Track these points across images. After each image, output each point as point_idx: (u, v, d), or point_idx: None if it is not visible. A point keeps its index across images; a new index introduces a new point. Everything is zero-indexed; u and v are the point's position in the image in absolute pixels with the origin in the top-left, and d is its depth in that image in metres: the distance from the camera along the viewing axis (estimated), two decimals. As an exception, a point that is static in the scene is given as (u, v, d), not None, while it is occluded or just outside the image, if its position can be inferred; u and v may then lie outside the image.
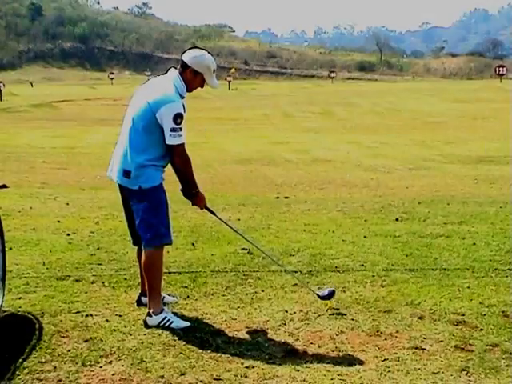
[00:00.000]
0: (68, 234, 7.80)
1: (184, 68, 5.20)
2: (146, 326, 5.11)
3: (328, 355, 4.59)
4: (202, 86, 5.35)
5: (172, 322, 5.09)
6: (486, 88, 49.31)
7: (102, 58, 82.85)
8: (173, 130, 4.95)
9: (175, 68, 5.29)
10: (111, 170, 5.29)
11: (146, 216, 5.12)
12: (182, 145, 5.06)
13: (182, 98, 5.17)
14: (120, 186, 5.29)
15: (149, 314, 5.15)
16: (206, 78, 5.27)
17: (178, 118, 4.96)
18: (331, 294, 5.54)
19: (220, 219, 5.72)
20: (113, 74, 72.79)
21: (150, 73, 74.30)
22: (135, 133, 5.07)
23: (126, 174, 5.09)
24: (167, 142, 5.00)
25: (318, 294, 5.54)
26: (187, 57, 5.22)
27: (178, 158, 5.07)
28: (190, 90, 5.26)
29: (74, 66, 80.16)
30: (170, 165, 5.19)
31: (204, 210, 5.44)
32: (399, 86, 60.88)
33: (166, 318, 5.11)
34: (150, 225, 5.12)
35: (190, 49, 5.50)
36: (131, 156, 5.07)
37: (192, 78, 5.21)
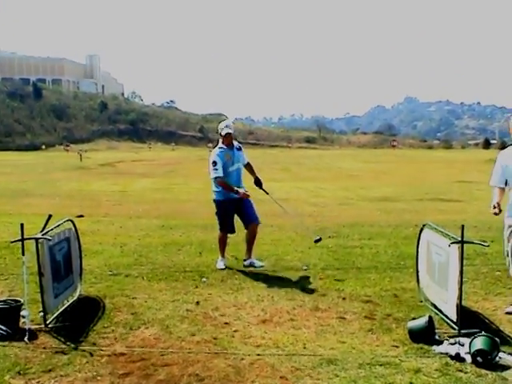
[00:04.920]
0: (121, 246, 7.77)
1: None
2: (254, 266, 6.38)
3: (285, 323, 4.60)
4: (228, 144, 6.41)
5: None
6: (384, 154, 49.95)
7: (143, 135, 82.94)
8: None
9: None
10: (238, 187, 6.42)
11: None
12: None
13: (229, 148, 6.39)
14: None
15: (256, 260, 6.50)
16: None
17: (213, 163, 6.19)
18: (318, 240, 6.75)
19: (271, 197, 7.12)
20: (150, 144, 72.74)
21: (174, 144, 74.28)
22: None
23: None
24: None
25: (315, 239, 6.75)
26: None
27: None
28: (226, 145, 6.37)
29: (126, 139, 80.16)
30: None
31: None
32: (331, 152, 61.34)
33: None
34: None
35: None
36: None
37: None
